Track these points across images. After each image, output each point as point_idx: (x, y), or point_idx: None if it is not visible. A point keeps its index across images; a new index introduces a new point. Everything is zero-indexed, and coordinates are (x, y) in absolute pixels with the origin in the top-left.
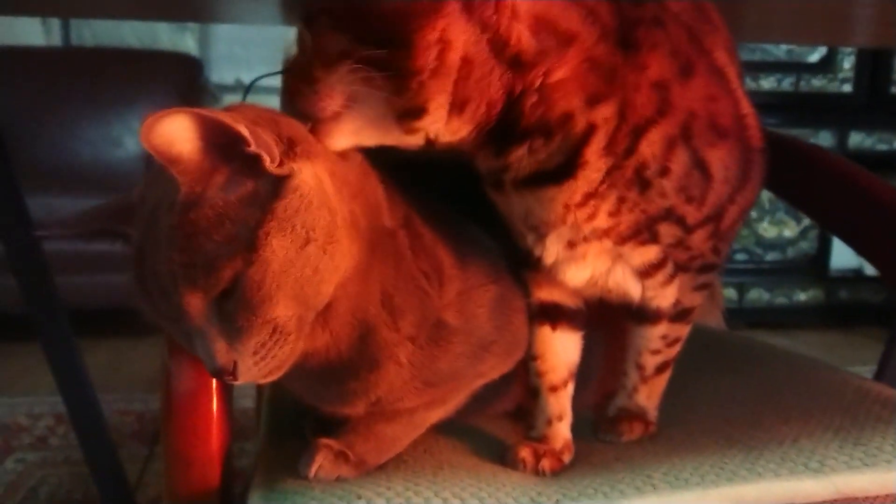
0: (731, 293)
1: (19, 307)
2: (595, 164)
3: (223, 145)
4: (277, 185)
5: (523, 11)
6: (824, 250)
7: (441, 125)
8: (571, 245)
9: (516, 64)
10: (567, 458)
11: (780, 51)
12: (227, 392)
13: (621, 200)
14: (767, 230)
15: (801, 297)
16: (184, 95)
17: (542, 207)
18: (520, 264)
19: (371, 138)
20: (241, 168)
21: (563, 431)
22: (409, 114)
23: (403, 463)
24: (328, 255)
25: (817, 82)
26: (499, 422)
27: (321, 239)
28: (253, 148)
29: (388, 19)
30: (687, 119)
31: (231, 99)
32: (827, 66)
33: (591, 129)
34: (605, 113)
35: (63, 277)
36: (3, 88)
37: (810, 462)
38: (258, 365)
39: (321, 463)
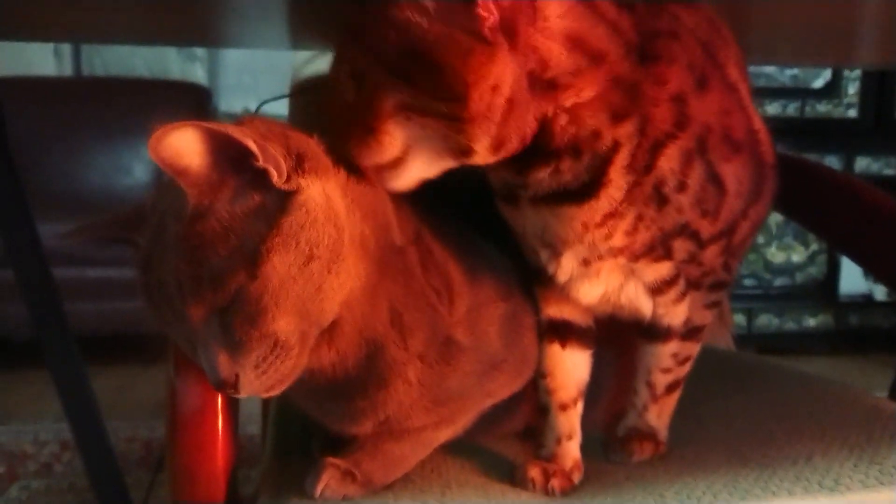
0: (740, 319)
1: (24, 334)
2: (618, 182)
3: (232, 158)
4: (284, 200)
5: (557, 31)
6: (833, 275)
7: (483, 160)
8: (586, 263)
9: (551, 87)
10: (577, 477)
11: (785, 76)
12: (232, 409)
13: (639, 218)
14: (775, 255)
15: (811, 322)
16: None
17: (560, 225)
18: (530, 280)
19: (427, 174)
20: (249, 181)
21: (572, 451)
22: (461, 154)
23: (411, 482)
24: (332, 273)
25: (822, 107)
26: (507, 442)
27: (325, 257)
28: (261, 162)
29: (446, 70)
30: (703, 132)
31: None
32: (832, 91)
33: (616, 146)
34: (628, 129)
35: (69, 304)
36: (15, 117)
37: (825, 480)
38: (260, 378)
39: (328, 482)
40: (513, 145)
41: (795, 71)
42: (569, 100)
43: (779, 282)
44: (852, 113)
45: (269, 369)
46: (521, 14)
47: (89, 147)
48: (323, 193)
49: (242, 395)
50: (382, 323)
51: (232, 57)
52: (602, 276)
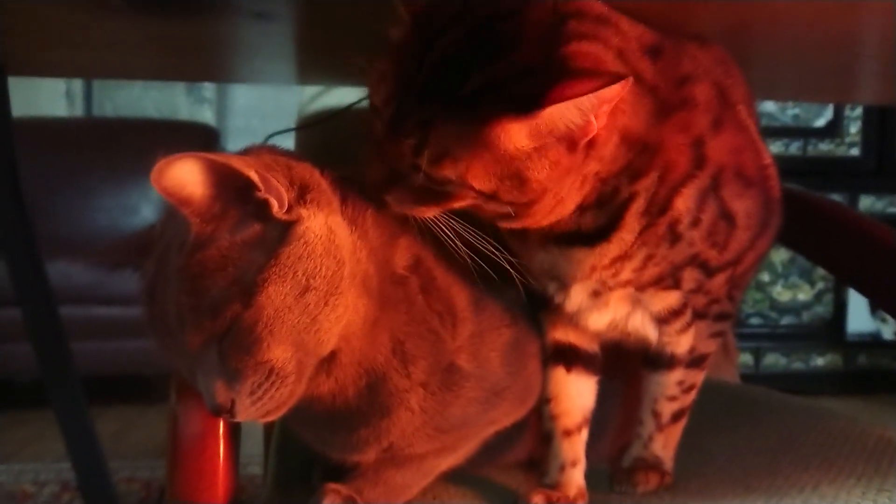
0: (747, 358)
1: (26, 375)
2: (632, 225)
3: (235, 188)
4: (284, 231)
5: (618, 134)
6: (840, 314)
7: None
8: (596, 294)
9: (596, 177)
10: None
11: (787, 116)
12: (234, 439)
13: (648, 258)
14: (781, 294)
15: (819, 362)
16: None
17: (570, 265)
18: (535, 305)
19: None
20: (251, 211)
21: (576, 478)
22: (495, 219)
23: None
24: (329, 306)
25: (825, 146)
26: (510, 472)
27: (323, 289)
28: (262, 193)
29: (529, 181)
30: (717, 171)
31: None
32: (834, 130)
33: (634, 196)
34: (647, 183)
35: (72, 344)
36: (26, 157)
37: None
38: (255, 405)
39: None
40: (551, 221)
41: (797, 110)
42: (601, 178)
43: (785, 321)
44: (854, 152)
45: (263, 396)
46: (607, 127)
47: (98, 187)
48: (324, 226)
49: (239, 420)
50: (383, 353)
51: (240, 100)
52: (611, 305)
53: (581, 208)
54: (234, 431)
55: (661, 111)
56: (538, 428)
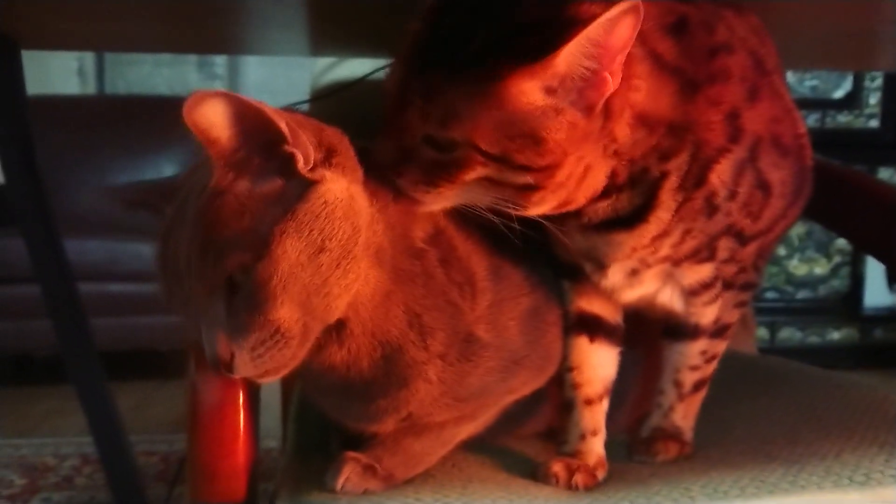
0: (763, 332)
1: (45, 350)
2: (668, 203)
3: (261, 140)
4: (305, 189)
5: (634, 114)
6: (857, 288)
7: (538, 214)
8: (633, 273)
9: (615, 154)
10: (601, 474)
11: (805, 87)
12: (253, 406)
13: (687, 231)
14: (798, 268)
15: (835, 336)
16: None
17: (610, 248)
18: (561, 273)
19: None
20: (275, 165)
21: (596, 447)
22: (514, 209)
23: (431, 477)
24: (341, 269)
25: (843, 118)
26: (529, 442)
27: (336, 252)
28: (289, 146)
29: (545, 144)
30: (755, 142)
31: None
32: (853, 101)
33: (665, 174)
34: (678, 161)
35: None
36: (39, 135)
37: (855, 475)
38: (255, 362)
39: (348, 475)
40: (580, 203)
41: (816, 82)
42: (626, 157)
43: (801, 295)
44: (874, 124)
45: (265, 354)
46: (619, 98)
47: (111, 164)
48: (346, 191)
49: (236, 375)
50: (398, 326)
51: (252, 76)
52: (645, 282)
53: (615, 189)
54: (254, 402)
55: (688, 89)
56: (558, 397)
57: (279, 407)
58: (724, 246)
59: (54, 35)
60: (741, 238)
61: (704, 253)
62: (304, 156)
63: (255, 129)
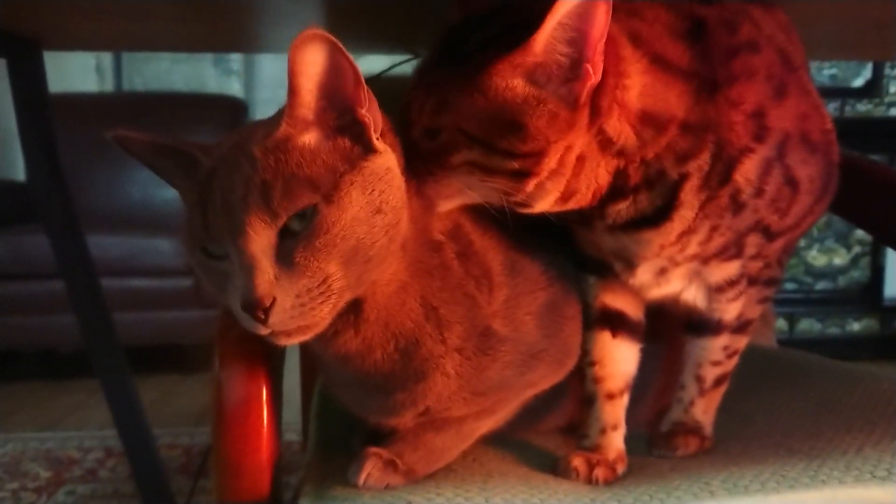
0: (781, 324)
1: (69, 345)
2: (690, 202)
3: (339, 98)
4: (369, 153)
5: (632, 112)
6: (877, 278)
7: (547, 209)
8: (662, 271)
9: (620, 153)
10: (621, 469)
11: (824, 76)
12: (277, 401)
13: (714, 229)
14: (817, 258)
15: (855, 327)
16: None
17: (639, 247)
18: (585, 270)
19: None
20: (345, 125)
21: (616, 442)
22: (519, 204)
23: (452, 472)
24: (387, 237)
25: (863, 107)
26: (549, 436)
27: (389, 216)
28: (365, 112)
29: (528, 131)
30: (782, 139)
31: None
32: (872, 90)
33: (685, 177)
34: (696, 163)
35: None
36: (58, 133)
37: (877, 470)
38: (292, 311)
39: (370, 471)
40: (585, 198)
41: (835, 70)
42: (637, 158)
43: (820, 286)
44: (894, 112)
45: (307, 304)
46: (607, 96)
47: (129, 160)
48: (398, 167)
49: (270, 322)
50: (413, 319)
51: (267, 71)
52: (672, 281)
53: (631, 190)
54: (277, 394)
55: (706, 91)
56: (579, 392)
57: (299, 400)
58: (752, 242)
59: (75, 36)
60: (769, 234)
61: (732, 250)
62: (375, 124)
63: (339, 86)
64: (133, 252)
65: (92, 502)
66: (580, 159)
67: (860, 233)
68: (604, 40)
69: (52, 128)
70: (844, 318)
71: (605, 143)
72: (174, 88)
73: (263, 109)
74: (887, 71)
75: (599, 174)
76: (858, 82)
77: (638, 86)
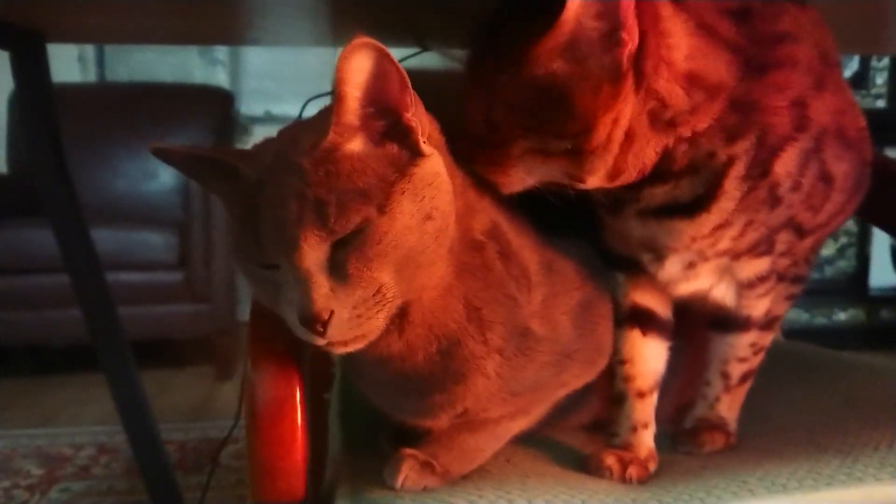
0: None
1: (61, 340)
2: (732, 192)
3: (385, 103)
4: (416, 158)
5: (680, 73)
6: (864, 269)
7: (597, 185)
8: (690, 265)
9: (671, 124)
10: (652, 467)
11: None
12: (309, 405)
13: (749, 223)
14: None
15: (842, 316)
16: (216, 127)
17: (669, 237)
18: (615, 267)
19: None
20: (391, 130)
21: (647, 440)
22: (574, 181)
23: (489, 473)
24: (437, 242)
25: None
26: (574, 433)
27: (439, 222)
28: (412, 117)
29: (575, 108)
30: (820, 133)
31: (261, 130)
32: (859, 82)
33: (731, 160)
34: (744, 145)
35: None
36: None
37: None
38: (350, 322)
39: (407, 473)
40: (631, 175)
41: None
42: (687, 132)
43: None
44: (881, 104)
45: (364, 314)
46: (650, 57)
47: (115, 152)
48: (445, 170)
49: (328, 335)
50: (455, 320)
51: (253, 62)
52: (701, 276)
53: (673, 175)
54: (307, 399)
55: (752, 69)
56: (608, 390)
57: None
58: (783, 239)
59: (78, 28)
60: (800, 231)
61: (763, 246)
62: (423, 129)
63: (385, 92)
64: (121, 245)
65: (87, 499)
66: (629, 136)
67: (847, 223)
68: (632, 4)
69: (56, 120)
70: (831, 308)
71: (655, 114)
72: (159, 78)
73: (249, 100)
74: (874, 63)
75: (647, 153)
76: (845, 74)
77: (684, 47)
